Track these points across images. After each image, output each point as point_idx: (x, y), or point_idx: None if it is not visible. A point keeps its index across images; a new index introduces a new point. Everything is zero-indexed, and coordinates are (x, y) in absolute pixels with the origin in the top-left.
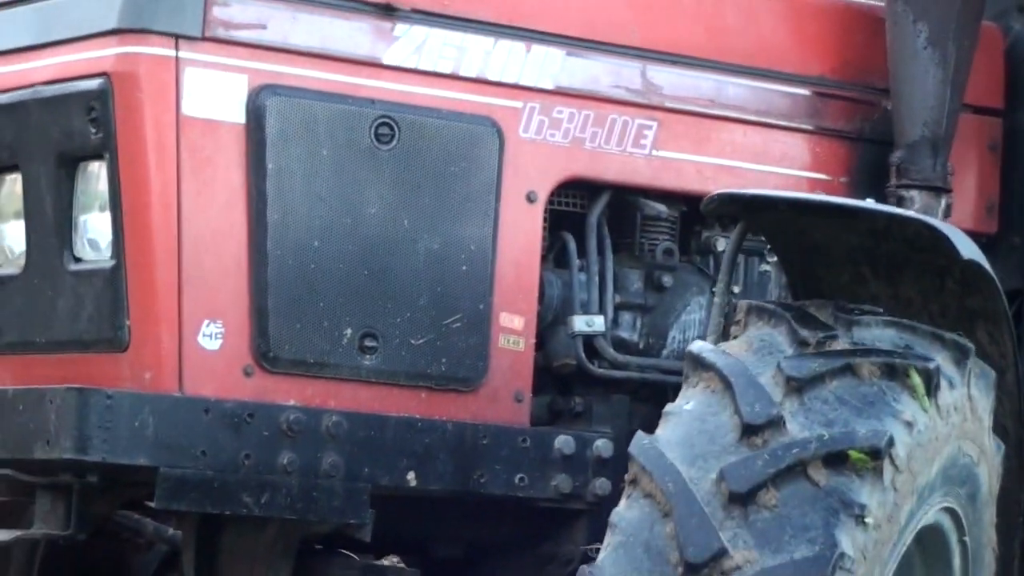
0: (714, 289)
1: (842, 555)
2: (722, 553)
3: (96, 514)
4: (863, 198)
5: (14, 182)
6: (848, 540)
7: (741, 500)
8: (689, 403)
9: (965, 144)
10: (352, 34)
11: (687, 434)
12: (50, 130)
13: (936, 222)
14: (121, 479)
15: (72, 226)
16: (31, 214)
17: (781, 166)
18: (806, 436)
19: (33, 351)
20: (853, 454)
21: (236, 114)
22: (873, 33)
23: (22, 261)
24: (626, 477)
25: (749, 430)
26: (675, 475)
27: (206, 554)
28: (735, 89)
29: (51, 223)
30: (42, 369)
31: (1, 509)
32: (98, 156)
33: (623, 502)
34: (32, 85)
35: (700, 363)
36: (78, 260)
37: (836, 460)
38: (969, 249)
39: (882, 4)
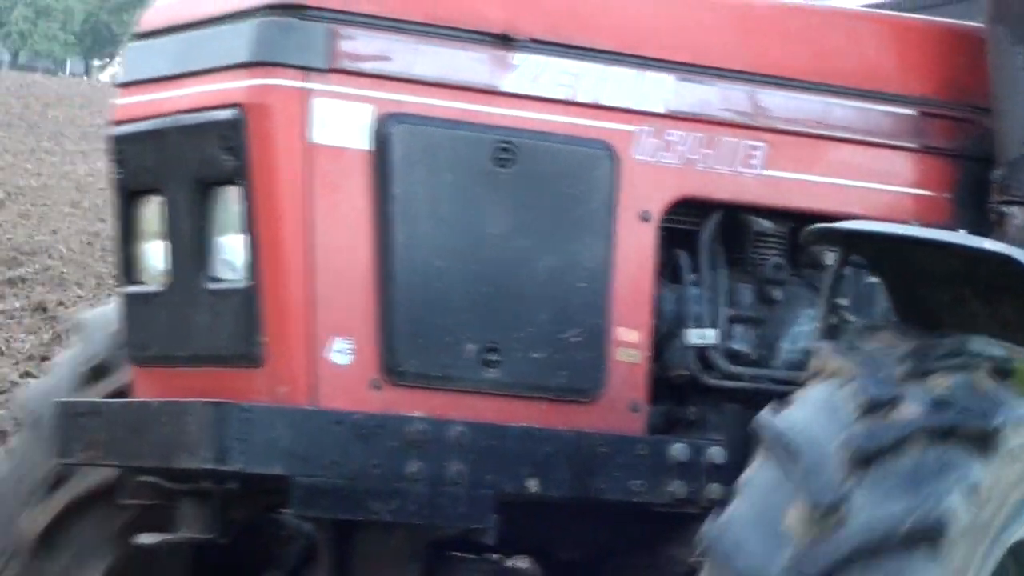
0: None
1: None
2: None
3: (236, 519)
4: (966, 214)
5: (157, 204)
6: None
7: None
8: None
9: None
10: (472, 64)
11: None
12: (189, 156)
13: (1016, 252)
14: (258, 486)
15: (209, 247)
16: (172, 235)
17: (886, 183)
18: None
19: (175, 364)
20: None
21: (362, 141)
22: (975, 54)
23: (165, 279)
24: None
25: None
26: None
27: (341, 555)
28: (841, 110)
29: (190, 244)
30: (183, 381)
31: (148, 514)
32: (232, 182)
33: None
34: (173, 113)
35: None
36: (215, 279)
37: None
38: None
39: (983, 26)
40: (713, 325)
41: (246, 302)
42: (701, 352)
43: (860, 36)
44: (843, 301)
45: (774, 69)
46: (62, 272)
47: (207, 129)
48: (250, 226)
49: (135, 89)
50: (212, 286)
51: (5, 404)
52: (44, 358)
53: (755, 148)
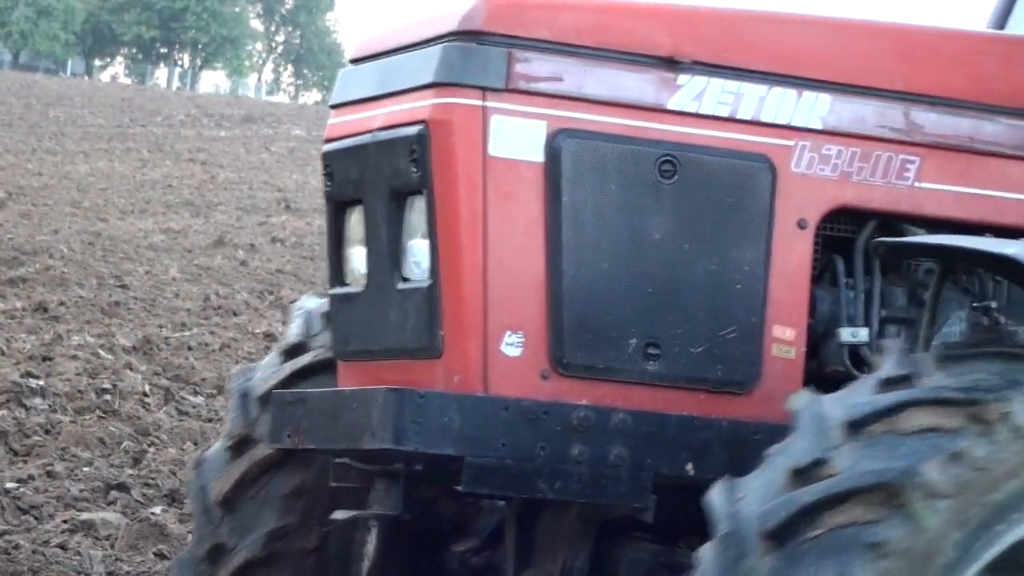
0: (974, 304)
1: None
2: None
3: (422, 498)
4: None
5: (359, 213)
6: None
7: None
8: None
9: None
10: (639, 84)
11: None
12: (383, 169)
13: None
14: (441, 468)
15: (401, 251)
16: (371, 241)
17: None
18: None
19: (371, 358)
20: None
21: (536, 154)
22: None
23: (364, 281)
24: None
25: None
26: None
27: (524, 531)
28: (993, 127)
29: (385, 248)
30: (377, 373)
31: (343, 492)
32: (420, 192)
33: None
34: (372, 131)
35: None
36: (406, 280)
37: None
38: None
39: None
40: (866, 324)
41: (428, 300)
42: (854, 350)
43: (1014, 59)
44: (992, 304)
45: (928, 89)
46: (63, 272)
47: (398, 144)
48: (433, 231)
49: (343, 110)
50: (402, 286)
51: (6, 404)
52: (45, 358)
53: (909, 162)
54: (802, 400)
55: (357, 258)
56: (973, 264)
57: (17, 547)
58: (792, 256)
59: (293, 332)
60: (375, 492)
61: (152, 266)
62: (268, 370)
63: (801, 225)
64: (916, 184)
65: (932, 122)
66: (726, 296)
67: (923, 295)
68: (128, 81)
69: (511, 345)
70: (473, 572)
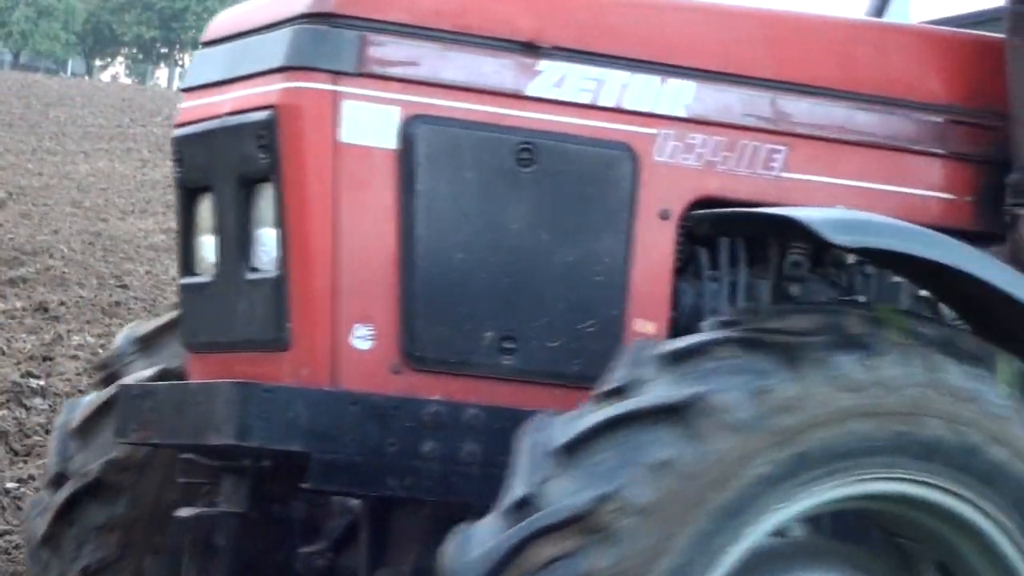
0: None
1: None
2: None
3: (271, 495)
4: (988, 218)
5: (209, 200)
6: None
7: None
8: None
9: None
10: (497, 69)
11: None
12: (232, 155)
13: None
14: (290, 464)
15: (250, 240)
16: (220, 229)
17: (907, 187)
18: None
19: (220, 350)
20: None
21: (389, 141)
22: (999, 63)
23: (213, 271)
24: None
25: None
26: None
27: (379, 531)
28: (864, 117)
29: (234, 237)
30: (225, 366)
31: (189, 489)
32: (267, 179)
33: None
34: (222, 115)
35: None
36: (254, 270)
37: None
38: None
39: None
40: None
41: (276, 290)
42: None
43: (886, 48)
44: (860, 299)
45: (798, 77)
46: (63, 272)
47: (246, 129)
48: (281, 220)
49: (194, 94)
50: (250, 276)
51: (6, 404)
52: (45, 358)
53: (776, 151)
54: (530, 425)
55: (207, 247)
56: (768, 231)
57: (17, 547)
58: (654, 248)
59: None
60: (222, 489)
61: (153, 266)
62: (85, 404)
63: (664, 216)
64: (783, 174)
65: (801, 111)
66: (585, 289)
67: (789, 287)
68: (129, 81)
69: (361, 338)
70: (321, 574)
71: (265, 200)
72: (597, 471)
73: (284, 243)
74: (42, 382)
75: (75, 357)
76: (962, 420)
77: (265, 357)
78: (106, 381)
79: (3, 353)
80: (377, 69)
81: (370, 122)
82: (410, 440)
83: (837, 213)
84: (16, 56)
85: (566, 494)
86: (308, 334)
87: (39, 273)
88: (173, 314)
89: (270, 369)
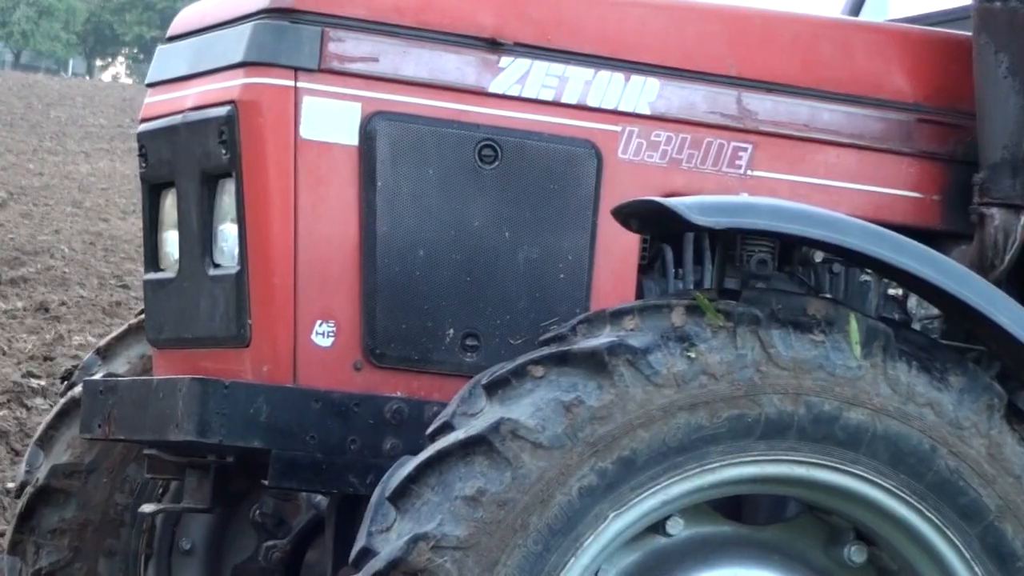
0: None
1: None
2: None
3: (234, 492)
4: (955, 216)
5: (173, 196)
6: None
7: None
8: None
9: None
10: (460, 66)
11: None
12: (194, 151)
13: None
14: (253, 461)
15: (212, 236)
16: (183, 225)
17: (874, 185)
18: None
19: (183, 346)
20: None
21: (350, 137)
22: (967, 62)
23: (177, 266)
24: None
25: None
26: None
27: (343, 526)
28: (829, 115)
29: (197, 233)
30: (188, 362)
31: (152, 487)
32: (228, 175)
33: None
34: (184, 111)
35: None
36: (216, 266)
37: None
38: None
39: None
40: None
41: (237, 287)
42: None
43: (851, 46)
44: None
45: (762, 75)
46: (64, 272)
47: (208, 125)
48: (242, 216)
49: (158, 89)
50: (212, 272)
51: (7, 404)
52: (46, 358)
53: (741, 149)
54: (391, 469)
55: (171, 243)
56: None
57: None
58: (619, 245)
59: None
60: (187, 485)
61: None
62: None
63: None
64: (749, 172)
65: (766, 109)
66: (549, 286)
67: (755, 285)
68: (129, 81)
69: (322, 335)
70: (286, 569)
71: (226, 196)
72: (418, 514)
73: (244, 239)
74: (43, 382)
75: (76, 357)
76: (809, 391)
77: (227, 353)
78: (68, 391)
79: (4, 353)
80: (337, 65)
81: (331, 118)
82: (371, 437)
83: (715, 198)
84: (17, 56)
85: (390, 541)
86: (268, 330)
87: (40, 273)
88: (131, 322)
89: (232, 366)
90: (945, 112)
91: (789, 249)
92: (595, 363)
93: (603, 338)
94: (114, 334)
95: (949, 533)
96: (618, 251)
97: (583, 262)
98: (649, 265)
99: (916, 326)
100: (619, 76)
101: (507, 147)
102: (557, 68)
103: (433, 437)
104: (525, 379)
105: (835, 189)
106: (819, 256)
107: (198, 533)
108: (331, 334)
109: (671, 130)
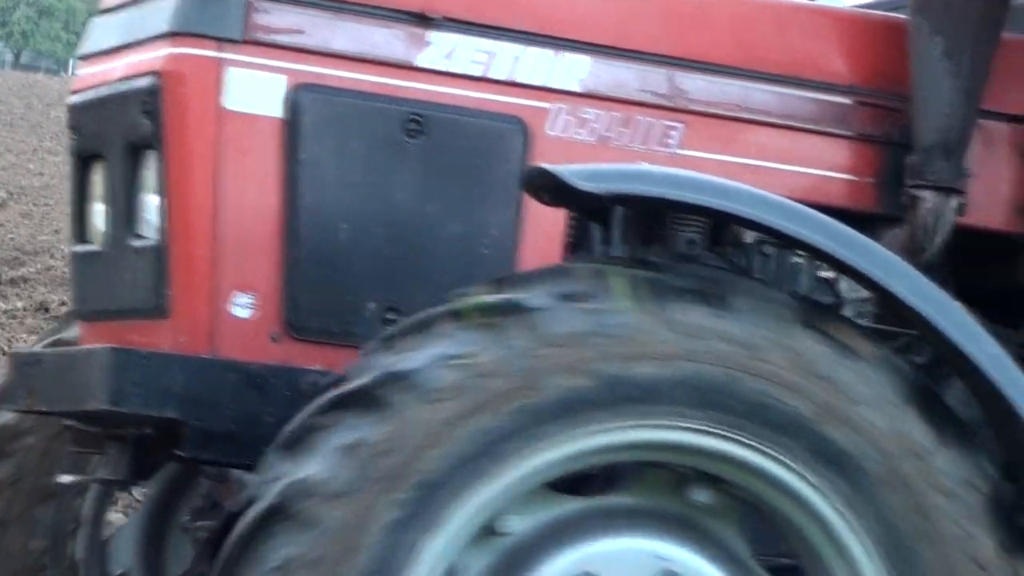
0: None
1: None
2: None
3: (152, 463)
4: (890, 199)
5: (100, 168)
6: None
7: None
8: None
9: (995, 149)
10: (387, 39)
11: None
12: (120, 122)
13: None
14: (173, 432)
15: (136, 207)
16: (109, 197)
17: (808, 167)
18: None
19: (108, 318)
20: None
21: (274, 109)
22: (905, 45)
23: (104, 239)
24: None
25: None
26: None
27: None
28: (763, 95)
29: (122, 205)
30: (112, 333)
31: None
32: (152, 146)
33: None
34: (112, 82)
35: None
36: (139, 237)
37: None
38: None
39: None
40: None
41: (157, 258)
42: None
43: (787, 27)
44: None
45: (695, 54)
46: (64, 272)
47: (132, 96)
48: (163, 187)
49: (90, 61)
50: (136, 244)
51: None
52: None
53: (671, 128)
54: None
55: (98, 215)
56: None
57: None
58: (544, 222)
59: None
60: (107, 456)
61: None
62: None
63: None
64: (679, 151)
65: (698, 88)
66: (473, 262)
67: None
68: None
69: (241, 306)
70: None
71: (150, 167)
72: (301, 462)
73: (165, 210)
74: None
75: None
76: (587, 360)
77: (147, 325)
78: None
79: (3, 353)
80: (263, 36)
81: (255, 90)
82: (288, 410)
83: (606, 165)
84: (17, 56)
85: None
86: (187, 301)
87: (40, 273)
88: None
89: (152, 337)
90: (882, 95)
91: (721, 230)
92: (368, 399)
93: (373, 371)
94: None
95: (774, 453)
96: (544, 228)
97: (508, 238)
98: (579, 243)
99: (849, 309)
100: (549, 53)
101: (433, 122)
102: (486, 43)
103: (234, 517)
104: (313, 432)
105: (767, 170)
106: (751, 236)
107: (129, 557)
108: (250, 306)
109: (601, 107)
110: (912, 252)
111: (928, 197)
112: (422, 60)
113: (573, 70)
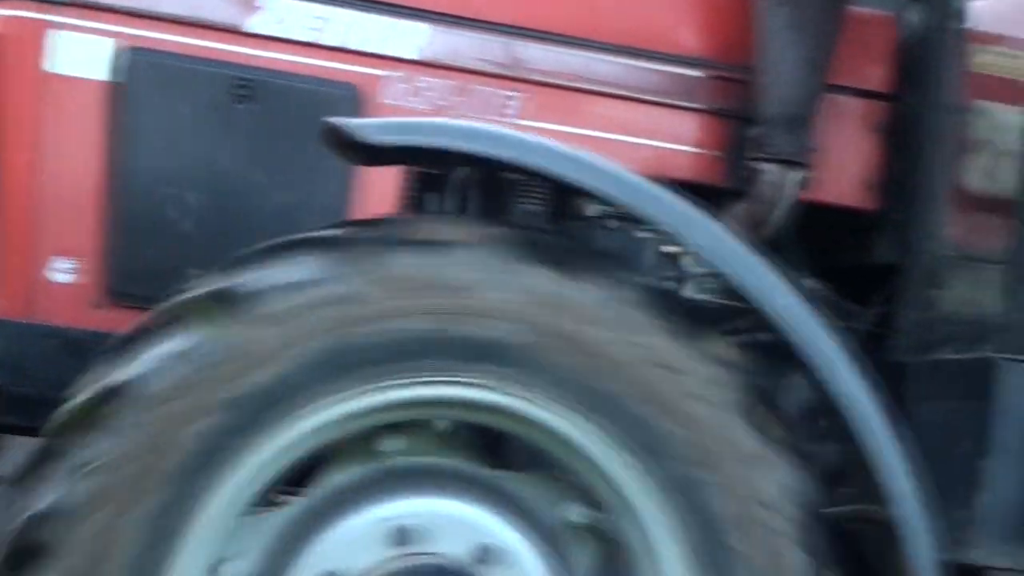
0: None
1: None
2: None
3: None
4: (737, 172)
5: None
6: None
7: None
8: None
9: (846, 124)
10: (217, 4)
11: None
12: None
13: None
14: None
15: None
16: None
17: (651, 139)
18: None
19: None
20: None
21: (99, 72)
22: (751, 16)
23: None
24: None
25: None
26: None
27: None
28: (605, 66)
29: None
30: None
31: None
32: None
33: None
34: None
35: None
36: None
37: None
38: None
39: None
40: None
41: None
42: None
43: None
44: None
45: (535, 23)
46: None
47: None
48: None
49: None
50: None
51: None
52: None
53: (509, 98)
54: None
55: None
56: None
57: None
58: (377, 191)
59: None
60: None
61: None
62: None
63: None
64: (516, 121)
65: (536, 57)
66: (301, 229)
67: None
68: None
69: (60, 271)
70: None
71: None
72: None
73: None
74: None
75: None
76: (308, 335)
77: None
78: None
79: None
80: None
81: (80, 52)
82: None
83: (397, 119)
84: None
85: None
86: (4, 265)
87: None
88: None
89: None
90: (730, 67)
91: (564, 202)
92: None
93: (96, 386)
94: None
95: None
96: (377, 196)
97: (338, 206)
98: (415, 208)
99: (691, 284)
100: (385, 19)
101: (262, 87)
102: (320, 9)
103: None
104: (50, 459)
105: (609, 142)
106: (593, 209)
107: None
108: (71, 271)
109: (438, 76)
110: (753, 226)
111: (769, 170)
112: (253, 25)
113: (412, 38)
